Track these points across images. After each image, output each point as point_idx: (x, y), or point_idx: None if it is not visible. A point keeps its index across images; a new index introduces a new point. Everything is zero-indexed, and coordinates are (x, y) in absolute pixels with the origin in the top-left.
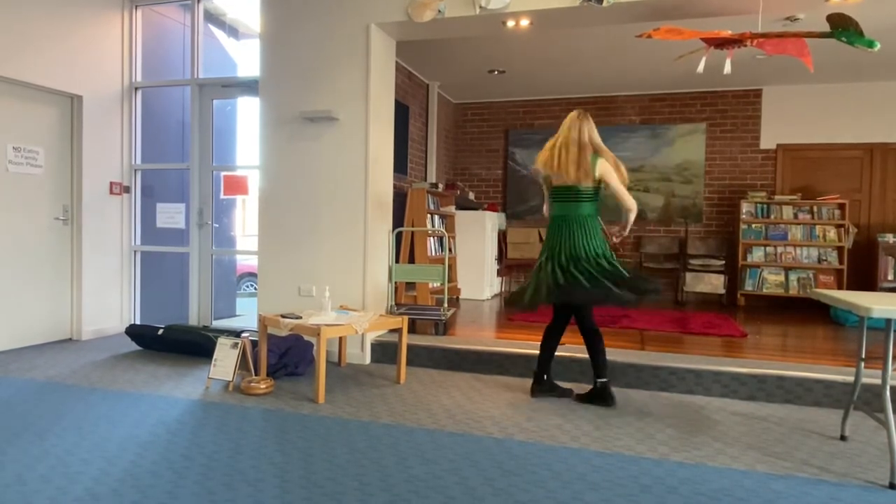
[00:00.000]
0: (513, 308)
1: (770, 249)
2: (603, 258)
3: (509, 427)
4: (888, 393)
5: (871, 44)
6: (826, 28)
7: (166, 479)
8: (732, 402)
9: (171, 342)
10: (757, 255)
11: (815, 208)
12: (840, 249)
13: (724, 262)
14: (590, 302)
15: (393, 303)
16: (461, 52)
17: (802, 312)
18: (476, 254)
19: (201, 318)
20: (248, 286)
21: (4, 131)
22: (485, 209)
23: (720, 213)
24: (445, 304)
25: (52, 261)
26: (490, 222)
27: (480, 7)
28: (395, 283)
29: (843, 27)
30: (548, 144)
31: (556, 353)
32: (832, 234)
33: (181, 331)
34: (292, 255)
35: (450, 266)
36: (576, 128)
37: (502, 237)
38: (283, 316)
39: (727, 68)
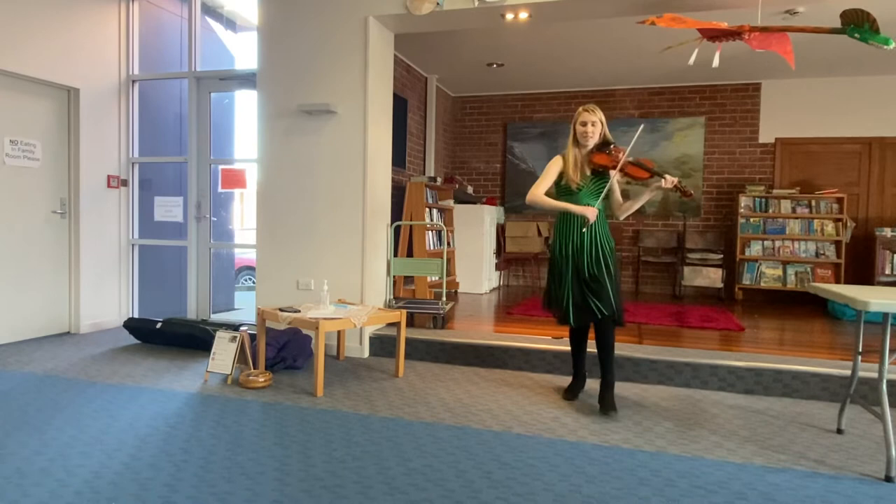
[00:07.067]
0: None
1: (768, 243)
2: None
3: (507, 420)
4: (885, 386)
5: (886, 41)
6: (832, 22)
7: (166, 471)
8: (730, 396)
9: (169, 336)
10: (755, 248)
11: (813, 202)
12: (838, 243)
13: (722, 255)
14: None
15: (391, 296)
16: (460, 45)
17: (800, 306)
18: (474, 248)
19: (200, 312)
20: (246, 280)
21: (1, 124)
22: (483, 203)
23: (718, 207)
24: (444, 298)
25: (50, 254)
26: (489, 216)
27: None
28: (394, 276)
29: (856, 24)
30: None
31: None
32: (830, 228)
33: (179, 324)
34: (291, 248)
35: (448, 260)
36: None
37: (501, 231)
38: (281, 309)
39: (716, 61)
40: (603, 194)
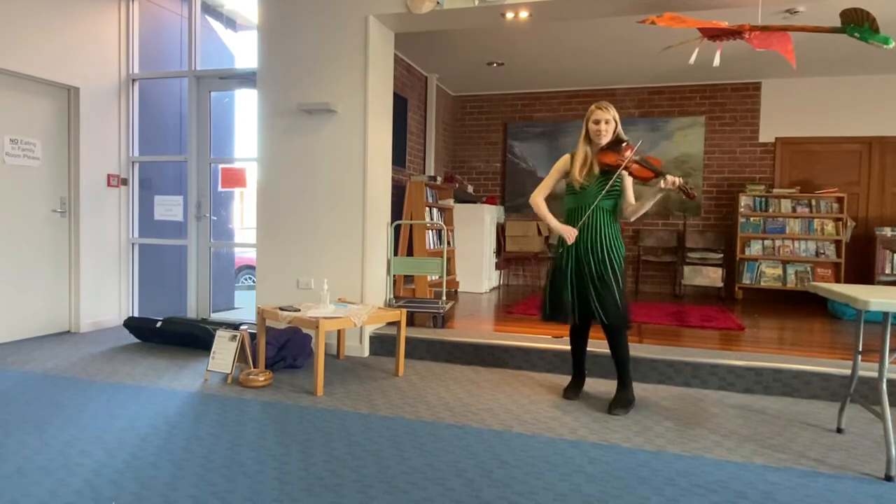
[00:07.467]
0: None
1: (768, 243)
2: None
3: (507, 419)
4: (885, 385)
5: (886, 40)
6: (833, 22)
7: (166, 470)
8: (730, 395)
9: (169, 335)
10: (755, 248)
11: (813, 202)
12: (838, 243)
13: (722, 255)
14: None
15: (391, 296)
16: (460, 44)
17: (800, 306)
18: (474, 247)
19: (200, 311)
20: (246, 279)
21: (1, 123)
22: (483, 202)
23: (719, 207)
24: (444, 297)
25: (50, 253)
26: (489, 215)
27: None
28: (394, 275)
29: (856, 23)
30: None
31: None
32: (830, 227)
33: (179, 323)
34: (291, 247)
35: (448, 259)
36: None
37: (501, 230)
38: (281, 308)
39: (716, 61)
40: (603, 193)
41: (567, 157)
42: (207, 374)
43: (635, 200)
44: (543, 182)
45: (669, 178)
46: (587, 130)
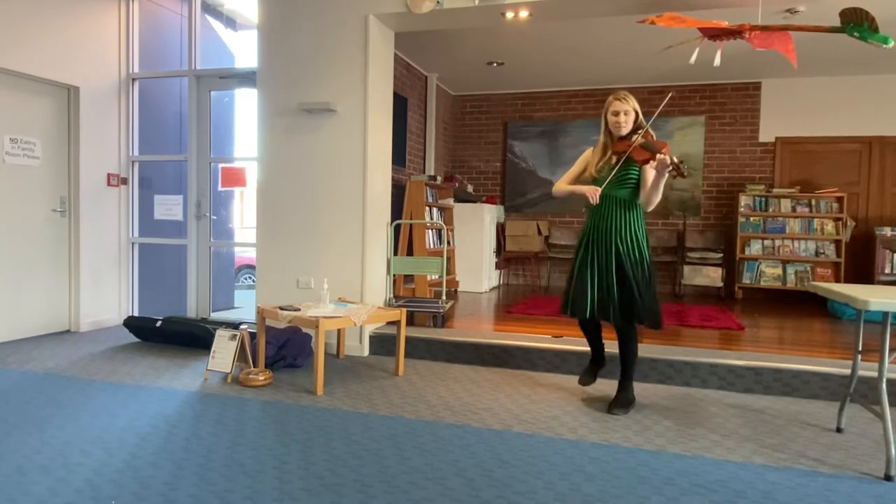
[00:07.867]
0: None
1: (768, 242)
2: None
3: (507, 419)
4: (884, 385)
5: (885, 40)
6: (833, 22)
7: (166, 470)
8: (729, 395)
9: (169, 334)
10: (755, 248)
11: (813, 201)
12: (838, 242)
13: (721, 255)
14: None
15: (391, 295)
16: (460, 43)
17: (800, 305)
18: (474, 246)
19: (199, 310)
20: (246, 278)
21: (1, 123)
22: (483, 202)
23: (718, 207)
24: (444, 297)
25: (50, 253)
26: (489, 215)
27: None
28: (394, 275)
29: (855, 22)
30: None
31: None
32: (830, 227)
33: (179, 323)
34: (291, 247)
35: (448, 259)
36: None
37: (501, 230)
38: (281, 308)
39: (717, 60)
40: (609, 180)
41: (590, 149)
42: (207, 374)
43: None
44: (565, 174)
45: (659, 156)
46: (606, 122)
